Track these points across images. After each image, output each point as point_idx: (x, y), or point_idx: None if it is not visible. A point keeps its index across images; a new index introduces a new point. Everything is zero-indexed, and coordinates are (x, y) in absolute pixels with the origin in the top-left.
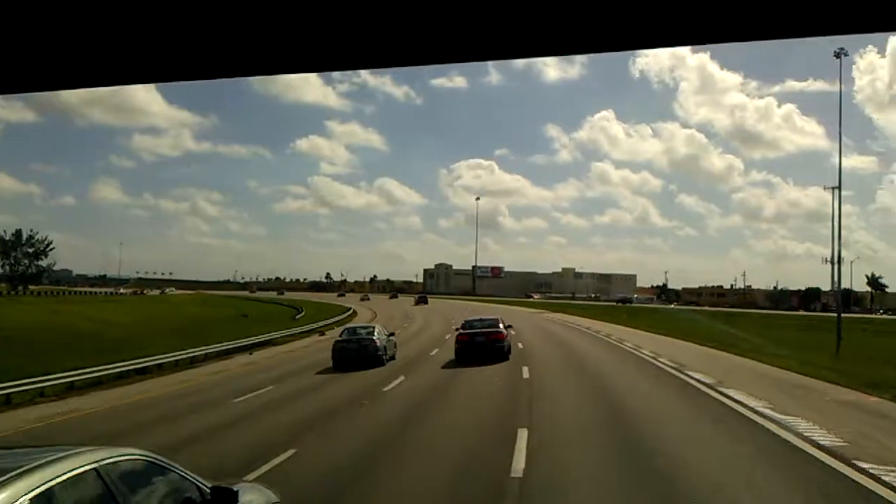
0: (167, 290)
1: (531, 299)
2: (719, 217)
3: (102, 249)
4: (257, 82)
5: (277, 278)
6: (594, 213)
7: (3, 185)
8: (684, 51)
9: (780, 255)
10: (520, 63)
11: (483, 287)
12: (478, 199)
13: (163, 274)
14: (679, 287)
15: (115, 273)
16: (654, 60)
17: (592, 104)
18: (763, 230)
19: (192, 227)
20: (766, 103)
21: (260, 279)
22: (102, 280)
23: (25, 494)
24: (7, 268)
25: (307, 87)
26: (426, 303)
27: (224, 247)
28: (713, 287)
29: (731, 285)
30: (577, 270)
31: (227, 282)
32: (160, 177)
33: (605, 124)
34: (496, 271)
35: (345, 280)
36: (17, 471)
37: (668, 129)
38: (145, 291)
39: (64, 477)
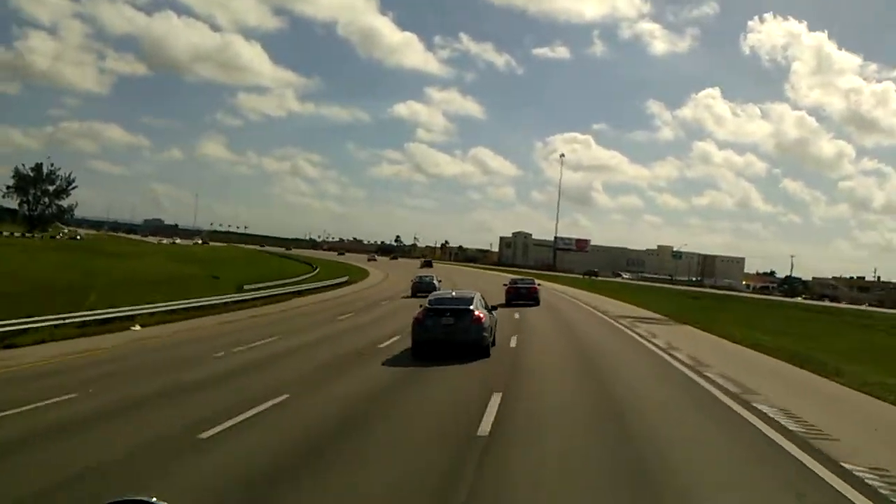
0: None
1: (619, 279)
2: (825, 205)
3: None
4: (360, 45)
5: (341, 239)
6: (692, 193)
7: (113, 137)
8: (800, 27)
9: (886, 247)
10: (627, 33)
11: (565, 261)
12: (562, 156)
13: (237, 228)
14: (800, 276)
15: (191, 223)
16: (766, 37)
17: (698, 81)
18: (870, 221)
19: (292, 186)
20: (883, 88)
21: (332, 239)
22: (174, 230)
23: None
24: (25, 206)
25: (409, 51)
26: (430, 266)
27: (318, 207)
28: (851, 279)
29: (878, 277)
30: (675, 249)
31: (298, 240)
32: (263, 135)
33: (710, 102)
34: (581, 244)
35: (414, 244)
36: None
37: (776, 110)
38: (164, 241)
39: None
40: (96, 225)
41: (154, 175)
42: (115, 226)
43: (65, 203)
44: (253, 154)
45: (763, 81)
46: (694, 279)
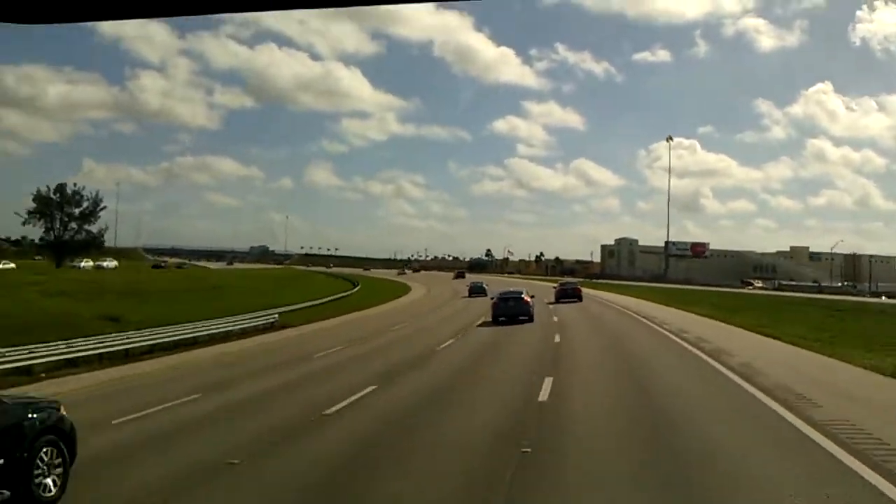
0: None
1: (748, 289)
2: None
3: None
4: (456, 64)
5: (435, 257)
6: (808, 194)
7: (228, 169)
8: None
9: None
10: (730, 31)
11: (679, 269)
12: (669, 138)
13: (328, 250)
14: None
15: (282, 248)
16: (878, 27)
17: (808, 76)
18: None
19: (396, 208)
20: None
21: (424, 258)
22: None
23: None
24: (52, 233)
25: (505, 66)
26: (463, 276)
27: (422, 227)
28: None
29: None
30: (812, 250)
31: (388, 259)
32: (367, 159)
33: (821, 98)
34: (699, 250)
35: (507, 259)
36: None
37: (894, 101)
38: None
39: None
40: (196, 254)
41: (266, 204)
42: (222, 254)
43: (94, 228)
44: (359, 179)
45: (877, 73)
46: (844, 284)
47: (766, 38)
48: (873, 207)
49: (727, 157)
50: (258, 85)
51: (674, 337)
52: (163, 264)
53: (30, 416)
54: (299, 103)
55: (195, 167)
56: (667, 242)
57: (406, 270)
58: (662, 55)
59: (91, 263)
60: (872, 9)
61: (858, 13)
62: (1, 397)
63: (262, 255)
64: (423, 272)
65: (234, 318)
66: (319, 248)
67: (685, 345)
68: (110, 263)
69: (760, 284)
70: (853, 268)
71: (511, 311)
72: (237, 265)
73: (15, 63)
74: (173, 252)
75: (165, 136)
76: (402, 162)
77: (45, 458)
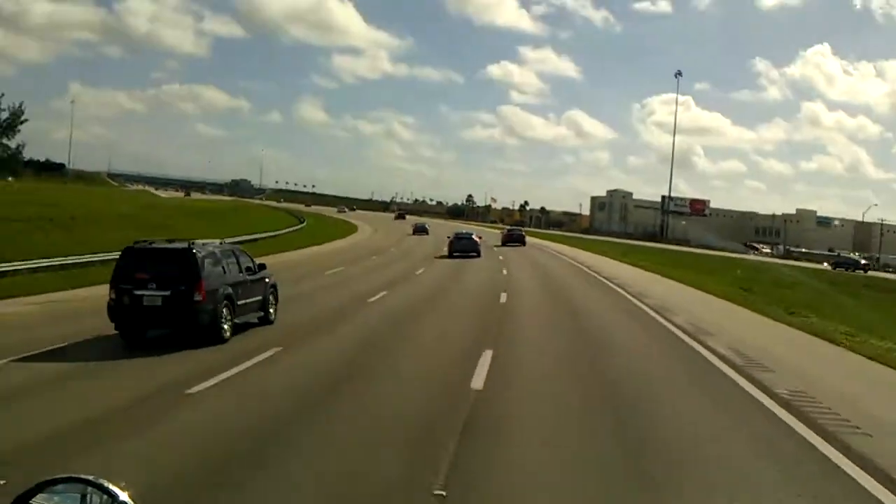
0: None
1: (754, 256)
2: None
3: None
4: (453, 3)
5: (416, 200)
6: (799, 158)
7: (215, 100)
8: None
9: None
10: None
11: (677, 229)
12: (678, 74)
13: (304, 186)
14: None
15: (259, 182)
16: None
17: (809, 36)
18: None
19: (386, 149)
20: None
21: (407, 200)
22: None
23: None
24: None
25: (502, 8)
26: (404, 218)
27: (411, 170)
28: None
29: None
30: (820, 214)
31: (367, 200)
32: (357, 98)
33: (819, 60)
34: (698, 207)
35: (489, 206)
36: None
37: (893, 68)
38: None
39: None
40: (175, 183)
41: (253, 137)
42: (201, 185)
43: (12, 143)
44: (349, 116)
45: (877, 37)
46: (856, 255)
47: None
48: (863, 175)
49: (721, 116)
50: (249, 13)
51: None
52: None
53: (266, 278)
54: (290, 35)
55: (182, 96)
56: (664, 197)
57: (345, 209)
58: (663, 6)
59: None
60: None
61: None
62: (253, 266)
63: (235, 188)
64: (357, 211)
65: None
66: (296, 185)
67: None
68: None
69: (768, 250)
70: (862, 236)
71: (464, 247)
72: (196, 195)
73: None
74: (143, 180)
75: (153, 62)
76: (393, 102)
77: (271, 299)
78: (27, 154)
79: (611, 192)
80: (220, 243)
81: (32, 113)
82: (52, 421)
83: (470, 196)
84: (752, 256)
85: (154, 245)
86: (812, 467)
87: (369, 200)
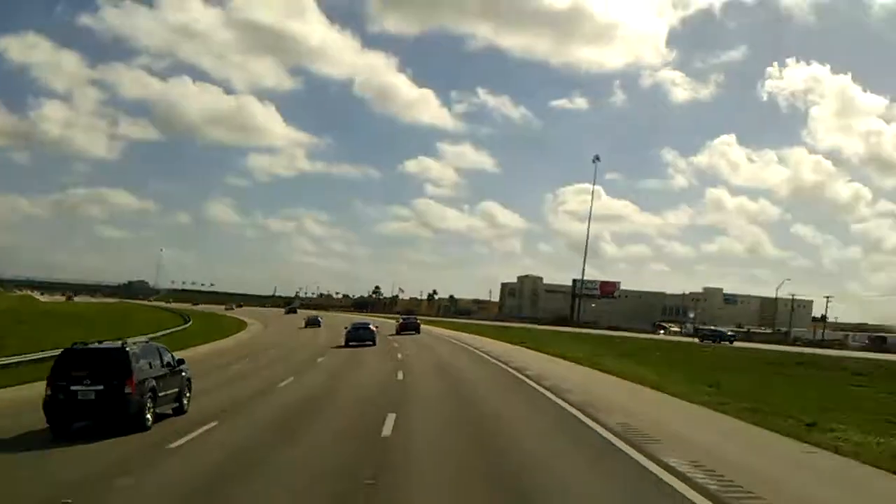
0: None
1: (660, 334)
2: (836, 249)
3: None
4: (375, 103)
5: (321, 294)
6: (702, 240)
7: (122, 202)
8: (824, 71)
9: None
10: (648, 82)
11: (588, 311)
12: (596, 159)
13: (202, 285)
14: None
15: (155, 283)
16: (787, 83)
17: (715, 127)
18: (881, 262)
19: (298, 245)
20: None
21: (309, 295)
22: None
23: None
24: None
25: (424, 107)
26: (295, 312)
27: (323, 265)
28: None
29: None
30: (726, 292)
31: (269, 296)
32: (270, 196)
33: (725, 149)
34: (609, 289)
35: (396, 297)
36: None
37: (793, 154)
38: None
39: None
40: (71, 287)
41: (156, 238)
42: (96, 288)
43: None
44: (259, 214)
45: (780, 126)
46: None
47: (682, 89)
48: (762, 254)
49: (630, 203)
50: (166, 117)
51: None
52: None
53: (183, 371)
54: (208, 137)
55: (88, 199)
56: (575, 280)
57: (232, 306)
58: (580, 102)
59: None
60: (783, 65)
61: (769, 69)
62: (172, 361)
63: (129, 290)
64: (245, 308)
65: None
66: (193, 284)
67: None
68: None
69: (677, 329)
70: (767, 311)
71: (360, 336)
72: (83, 299)
73: None
74: (35, 285)
75: (62, 166)
76: (307, 199)
77: (185, 391)
78: None
79: (521, 278)
80: (147, 342)
81: None
82: None
83: (377, 287)
84: (661, 336)
85: (90, 346)
86: None
87: (271, 297)
